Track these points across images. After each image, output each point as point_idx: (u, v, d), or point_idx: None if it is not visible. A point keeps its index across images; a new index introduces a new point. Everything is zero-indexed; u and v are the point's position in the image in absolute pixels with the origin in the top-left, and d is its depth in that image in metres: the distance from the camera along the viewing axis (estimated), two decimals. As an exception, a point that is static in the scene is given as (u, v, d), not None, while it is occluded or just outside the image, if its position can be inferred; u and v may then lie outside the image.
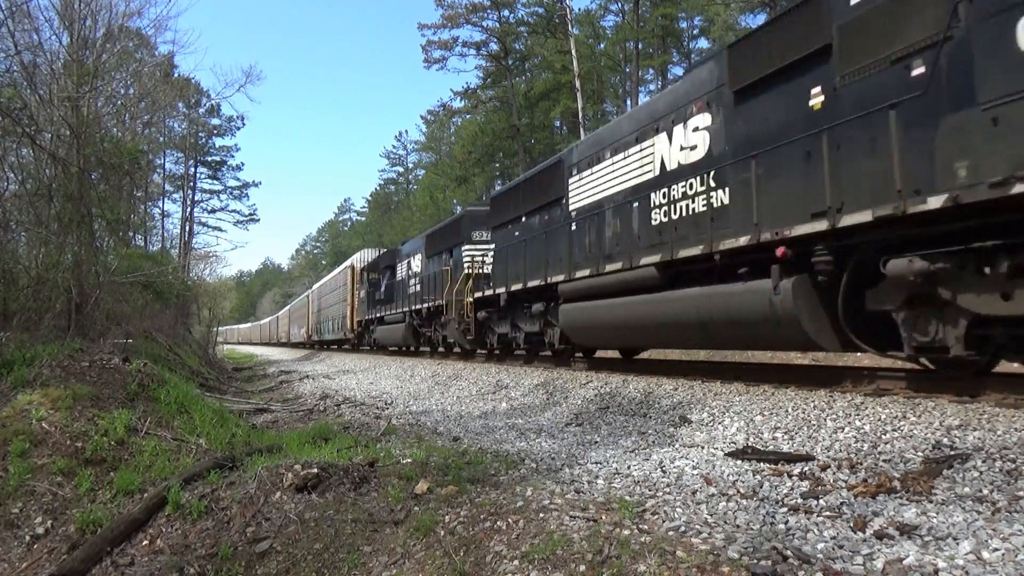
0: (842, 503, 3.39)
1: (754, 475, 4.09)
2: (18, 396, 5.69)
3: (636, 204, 8.42)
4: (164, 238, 33.50)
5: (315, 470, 4.38)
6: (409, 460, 4.83)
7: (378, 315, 23.17)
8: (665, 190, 7.88)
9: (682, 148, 7.67)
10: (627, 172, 8.75)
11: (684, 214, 7.55)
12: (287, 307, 59.24)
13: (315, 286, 42.59)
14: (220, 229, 42.35)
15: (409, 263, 20.16)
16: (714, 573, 2.56)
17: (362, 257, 29.29)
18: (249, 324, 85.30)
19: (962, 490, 3.38)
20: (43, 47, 11.05)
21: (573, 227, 10.05)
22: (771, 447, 4.79)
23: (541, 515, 3.41)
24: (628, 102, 35.01)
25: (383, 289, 22.81)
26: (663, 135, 8.01)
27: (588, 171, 9.79)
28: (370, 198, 79.41)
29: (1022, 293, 4.49)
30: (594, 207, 9.48)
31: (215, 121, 40.37)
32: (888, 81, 5.06)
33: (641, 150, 8.45)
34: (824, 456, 4.35)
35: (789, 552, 2.68)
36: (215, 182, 43.82)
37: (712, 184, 7.10)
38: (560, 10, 33.25)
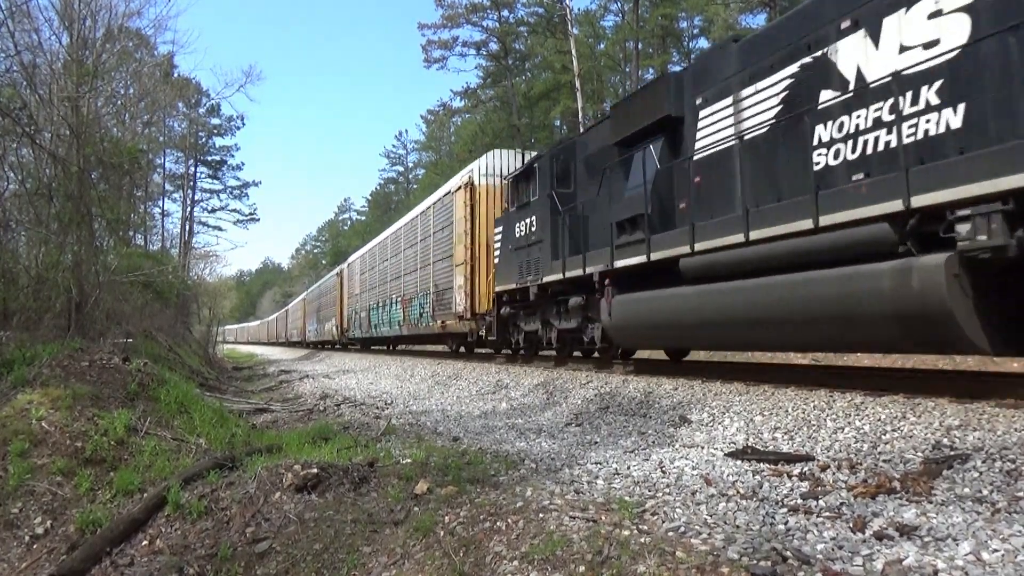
0: (842, 503, 3.39)
1: (754, 475, 4.09)
2: (18, 396, 5.69)
3: None
4: (164, 237, 33.56)
5: (315, 470, 4.38)
6: (409, 460, 4.83)
7: (603, 267, 8.76)
8: None
9: None
10: None
11: None
12: (300, 296, 46.21)
13: (355, 256, 27.99)
14: (220, 229, 42.46)
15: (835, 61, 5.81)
16: (714, 573, 2.56)
17: (494, 165, 14.28)
18: (256, 323, 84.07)
19: (962, 491, 3.38)
20: (43, 47, 11.08)
21: None
22: (771, 447, 4.79)
23: (541, 515, 3.41)
24: (628, 102, 34.93)
25: (651, 200, 7.90)
26: None
27: None
28: (370, 198, 79.49)
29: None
30: None
31: (215, 121, 40.50)
32: None
33: None
34: (824, 456, 4.35)
35: (789, 553, 2.68)
36: (215, 181, 43.95)
37: None
38: (560, 10, 33.23)
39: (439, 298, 15.89)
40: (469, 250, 13.91)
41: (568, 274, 9.64)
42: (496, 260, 12.73)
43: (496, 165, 14.46)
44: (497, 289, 12.46)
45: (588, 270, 9.03)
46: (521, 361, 12.45)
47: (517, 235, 11.66)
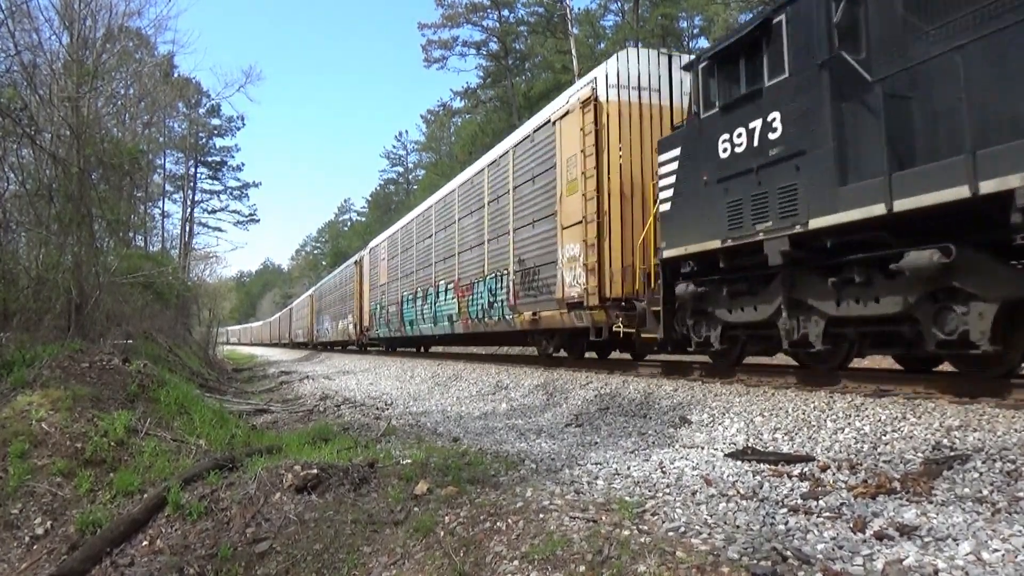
0: (842, 504, 3.39)
1: (754, 476, 4.09)
2: (18, 397, 5.70)
3: None
4: (164, 238, 33.61)
5: (315, 471, 4.38)
6: (409, 461, 4.83)
7: None
8: None
9: None
10: None
11: None
12: (307, 292, 42.55)
13: (380, 238, 23.06)
14: (220, 229, 42.59)
15: None
16: (714, 573, 2.55)
17: (631, 71, 9.36)
18: (258, 323, 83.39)
19: (962, 491, 3.38)
20: (43, 47, 11.09)
21: None
22: (771, 448, 4.79)
23: (541, 516, 3.40)
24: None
25: None
26: None
27: None
28: (370, 198, 79.54)
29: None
30: None
31: (215, 121, 40.62)
32: None
33: None
34: (824, 457, 4.35)
35: (789, 553, 2.68)
36: (215, 182, 44.09)
37: None
38: (560, 10, 33.30)
39: (527, 280, 11.13)
40: (594, 201, 9.17)
41: (905, 202, 4.92)
42: (664, 207, 7.80)
43: (634, 72, 9.38)
44: (668, 254, 7.70)
45: (985, 186, 4.40)
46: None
47: (724, 155, 6.87)
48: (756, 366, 8.33)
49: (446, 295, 15.28)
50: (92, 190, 11.00)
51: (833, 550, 2.75)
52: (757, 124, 6.48)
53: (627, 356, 11.42)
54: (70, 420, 5.41)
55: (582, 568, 2.80)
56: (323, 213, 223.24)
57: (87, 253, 10.35)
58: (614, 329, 8.94)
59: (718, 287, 7.20)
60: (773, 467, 4.24)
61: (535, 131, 11.24)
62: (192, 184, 39.84)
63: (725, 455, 4.70)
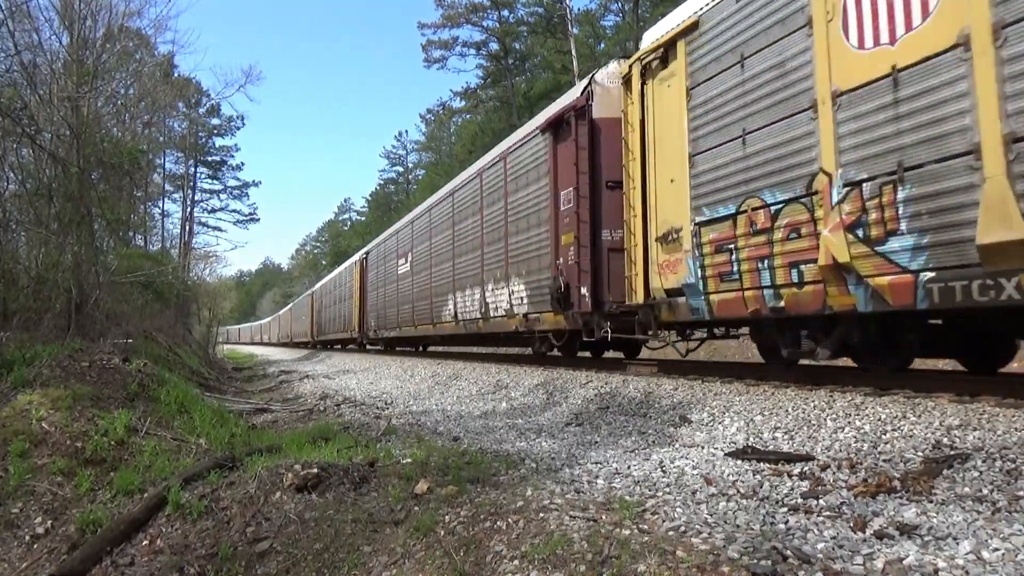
0: (842, 503, 3.39)
1: (754, 475, 4.09)
2: (18, 396, 5.70)
3: None
4: (164, 238, 33.61)
5: (315, 470, 4.38)
6: (409, 460, 4.83)
7: None
8: None
9: None
10: None
11: None
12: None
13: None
14: (220, 229, 42.66)
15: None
16: (714, 573, 2.55)
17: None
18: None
19: (962, 490, 3.38)
20: (43, 47, 11.10)
21: None
22: (771, 447, 4.79)
23: (541, 515, 3.40)
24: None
25: None
26: None
27: None
28: (370, 198, 79.51)
29: None
30: None
31: (215, 121, 40.66)
32: None
33: None
34: (824, 456, 4.35)
35: (789, 552, 2.68)
36: (215, 182, 44.17)
37: None
38: (560, 10, 33.29)
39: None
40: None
41: None
42: None
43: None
44: None
45: None
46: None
47: None
48: (756, 365, 8.34)
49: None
50: (92, 190, 11.00)
51: (833, 549, 2.75)
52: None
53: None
54: (70, 419, 5.41)
55: (582, 567, 2.80)
56: (323, 213, 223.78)
57: (87, 253, 10.35)
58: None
59: None
60: (773, 466, 4.24)
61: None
62: (192, 184, 39.89)
63: (725, 454, 4.70)
